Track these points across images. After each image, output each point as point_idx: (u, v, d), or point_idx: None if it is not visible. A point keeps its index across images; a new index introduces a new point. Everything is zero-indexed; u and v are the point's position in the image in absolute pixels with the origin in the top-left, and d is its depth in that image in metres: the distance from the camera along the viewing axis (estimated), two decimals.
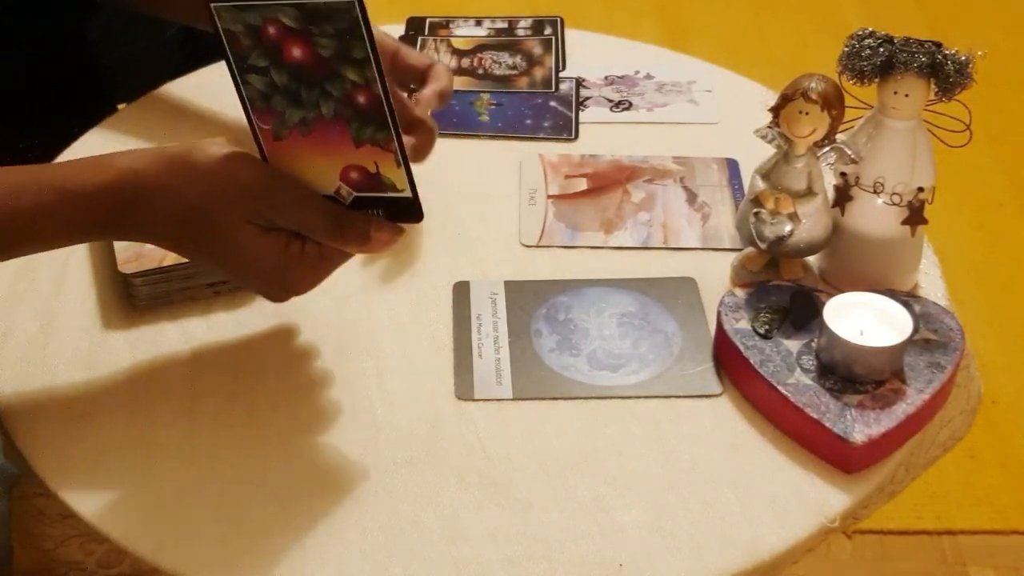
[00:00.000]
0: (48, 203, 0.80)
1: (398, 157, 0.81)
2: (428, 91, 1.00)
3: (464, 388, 0.88)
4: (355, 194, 0.82)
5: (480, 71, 1.21)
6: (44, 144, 1.06)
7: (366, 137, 0.81)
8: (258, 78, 0.81)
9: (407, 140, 0.84)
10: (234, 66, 0.81)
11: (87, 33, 1.10)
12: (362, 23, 0.78)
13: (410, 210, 0.83)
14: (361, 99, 0.80)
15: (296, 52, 0.80)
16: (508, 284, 0.96)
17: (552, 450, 0.84)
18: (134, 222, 0.82)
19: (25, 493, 0.85)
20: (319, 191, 0.83)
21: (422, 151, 0.97)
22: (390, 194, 0.82)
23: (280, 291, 0.85)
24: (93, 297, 0.95)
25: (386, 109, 0.80)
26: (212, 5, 0.80)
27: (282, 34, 0.80)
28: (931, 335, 0.88)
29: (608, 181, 1.07)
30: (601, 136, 1.13)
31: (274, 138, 0.82)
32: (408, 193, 0.82)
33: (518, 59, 1.22)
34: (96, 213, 0.81)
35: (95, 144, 1.10)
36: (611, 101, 1.18)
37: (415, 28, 1.27)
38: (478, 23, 1.28)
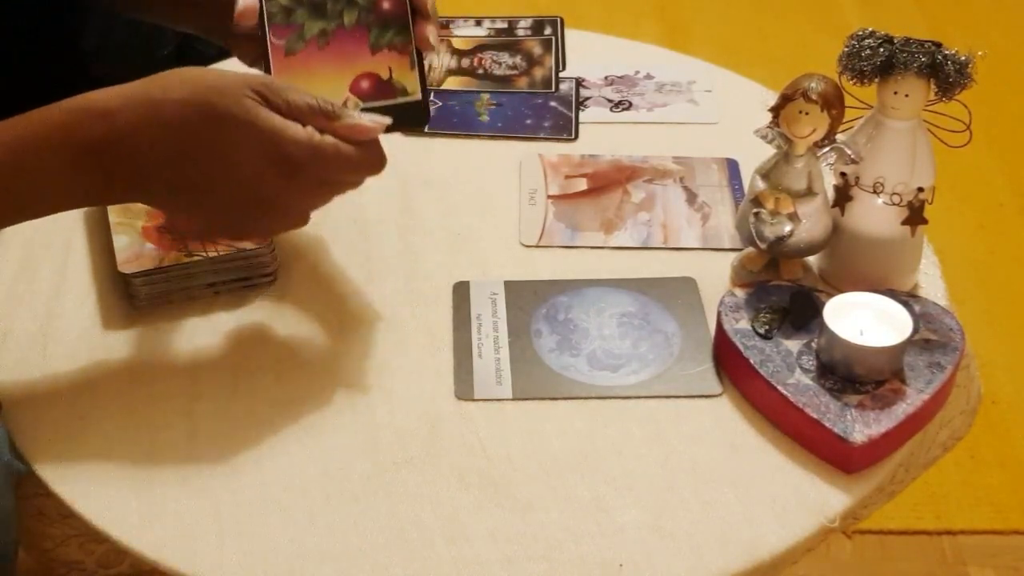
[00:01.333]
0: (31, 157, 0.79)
1: (413, 58, 0.83)
2: None
3: (464, 388, 0.88)
4: (362, 105, 0.83)
5: (480, 71, 1.21)
6: None
7: (384, 42, 0.83)
8: None
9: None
10: None
11: (82, 47, 1.10)
12: None
13: (417, 114, 0.85)
14: (385, 4, 0.83)
15: None
16: (508, 284, 0.96)
17: (552, 450, 0.84)
18: (122, 154, 0.79)
19: (25, 493, 0.85)
20: None
21: (431, 39, 0.91)
22: (399, 100, 0.84)
23: (285, 208, 0.82)
24: (93, 297, 0.95)
25: (409, 11, 0.83)
26: None
27: None
28: (931, 335, 0.88)
29: (608, 181, 1.07)
30: (601, 136, 1.13)
31: (285, 53, 0.84)
32: (418, 96, 0.84)
33: (518, 59, 1.22)
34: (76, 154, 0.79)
35: None
36: (611, 101, 1.18)
37: None
38: (478, 23, 1.28)
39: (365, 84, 0.84)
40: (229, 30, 0.92)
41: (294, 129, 0.79)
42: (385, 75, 0.84)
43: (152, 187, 0.81)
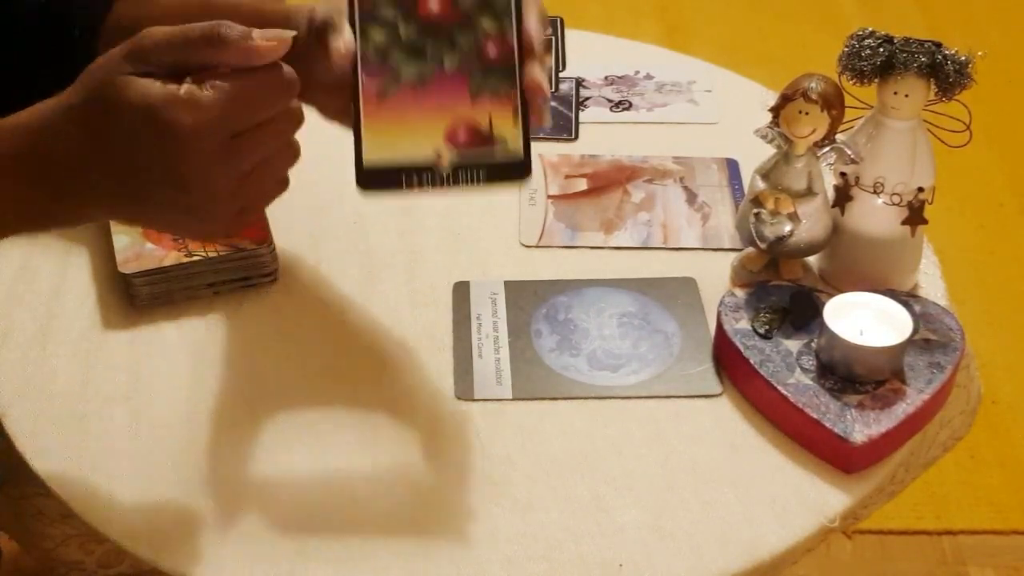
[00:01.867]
0: None
1: (516, 107, 0.77)
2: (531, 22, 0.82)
3: (464, 388, 0.88)
4: (457, 156, 0.77)
5: None
6: None
7: (487, 89, 0.77)
8: (380, 31, 0.77)
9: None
10: (356, 17, 0.77)
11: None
12: None
13: (517, 170, 0.77)
14: (490, 49, 0.77)
15: (432, 3, 0.78)
16: (508, 284, 0.96)
17: (552, 450, 0.84)
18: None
19: (25, 493, 0.85)
20: (416, 157, 0.77)
21: (543, 85, 0.80)
22: (498, 153, 0.77)
23: (204, 185, 0.71)
24: (93, 297, 0.95)
25: (516, 57, 0.77)
26: None
27: None
28: (931, 335, 0.88)
29: (608, 181, 1.07)
30: (601, 136, 1.13)
31: (377, 97, 0.77)
32: (519, 149, 0.77)
33: None
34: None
35: None
36: (611, 101, 1.17)
37: None
38: None
39: (462, 134, 0.77)
40: (308, 80, 0.88)
41: (162, 90, 0.70)
42: (484, 125, 0.77)
43: (90, 197, 0.75)
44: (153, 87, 0.70)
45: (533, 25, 0.78)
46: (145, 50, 0.71)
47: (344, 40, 0.76)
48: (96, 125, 0.71)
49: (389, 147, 0.77)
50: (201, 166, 0.71)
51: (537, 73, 0.78)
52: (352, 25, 0.77)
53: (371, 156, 0.76)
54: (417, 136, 0.77)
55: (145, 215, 0.76)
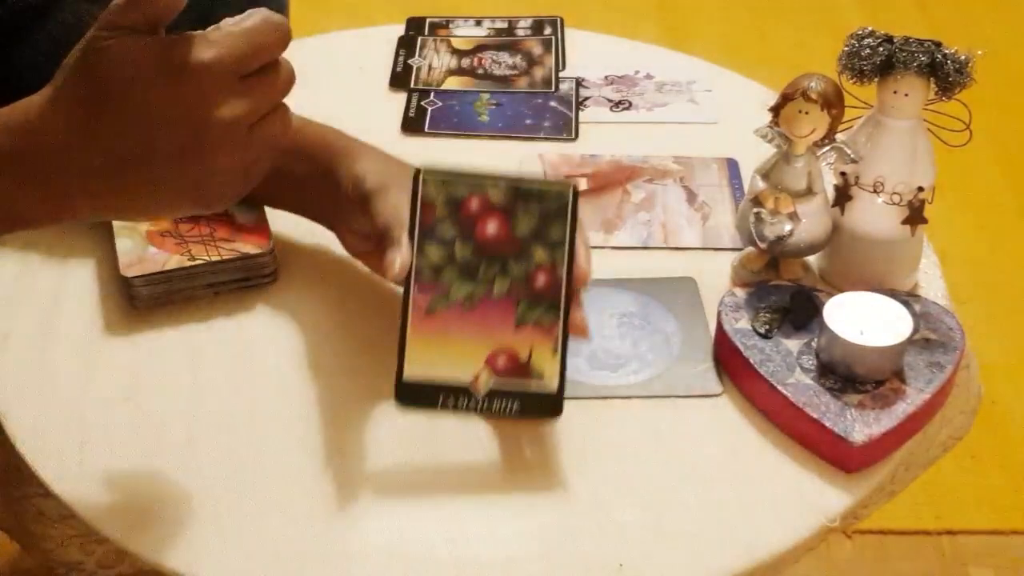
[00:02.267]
0: None
1: (558, 342, 0.80)
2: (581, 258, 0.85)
3: None
4: (494, 382, 0.80)
5: (480, 71, 1.21)
6: None
7: (531, 319, 0.80)
8: (437, 249, 0.81)
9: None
10: (416, 232, 0.80)
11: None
12: (570, 207, 0.80)
13: (549, 404, 0.81)
14: (540, 280, 0.80)
15: (491, 228, 0.80)
16: None
17: (552, 450, 0.84)
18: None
19: (25, 494, 0.85)
20: (455, 374, 0.80)
21: (584, 325, 0.84)
22: (533, 385, 0.80)
23: (206, 126, 0.70)
24: (93, 299, 0.95)
25: (563, 292, 0.80)
26: (421, 171, 0.80)
27: (483, 208, 0.80)
28: (931, 335, 0.88)
29: (608, 181, 1.07)
30: (601, 136, 1.13)
31: (426, 312, 0.80)
32: (554, 385, 0.80)
33: (518, 59, 1.22)
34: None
35: None
36: (611, 101, 1.17)
37: (415, 28, 1.27)
38: (478, 23, 1.28)
39: (502, 361, 0.80)
40: (336, 219, 0.92)
41: (164, 38, 0.70)
42: (524, 355, 0.80)
43: (76, 188, 0.73)
44: (152, 38, 0.70)
45: (583, 262, 0.82)
46: (118, 13, 0.70)
47: (402, 258, 0.80)
48: (87, 106, 0.70)
49: (431, 364, 0.80)
50: (219, 103, 0.70)
51: (583, 315, 0.82)
52: (411, 238, 0.80)
53: (412, 372, 0.81)
54: (460, 354, 0.80)
55: (138, 199, 0.74)
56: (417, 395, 0.81)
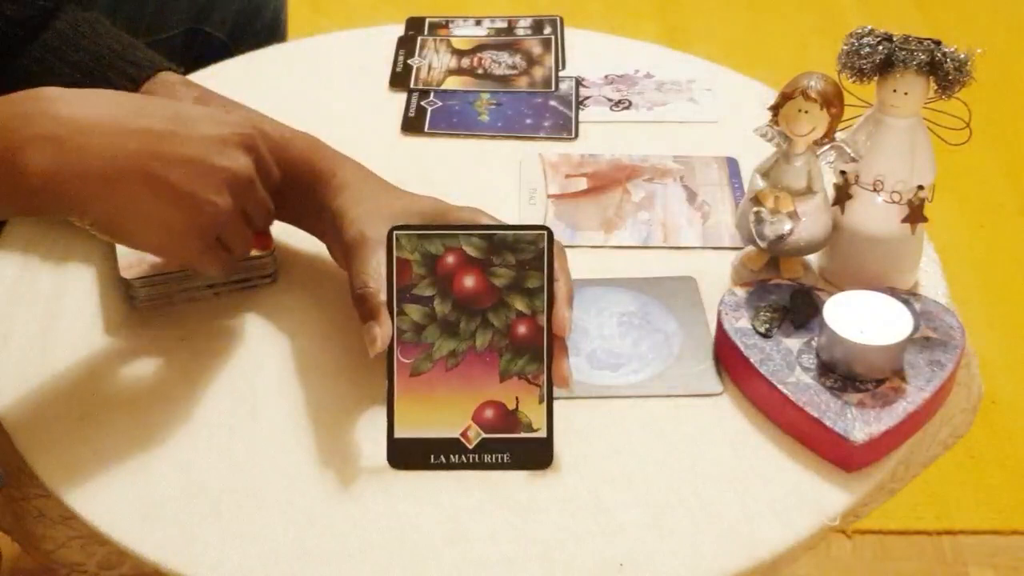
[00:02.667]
0: None
1: (543, 391, 0.81)
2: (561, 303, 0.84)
3: None
4: (483, 435, 0.82)
5: (480, 71, 1.21)
6: None
7: (515, 370, 0.81)
8: (417, 309, 0.81)
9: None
10: (394, 297, 0.81)
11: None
12: (546, 253, 0.81)
13: (539, 453, 0.82)
14: (521, 329, 0.81)
15: (468, 282, 0.81)
16: None
17: (552, 450, 0.84)
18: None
19: (26, 495, 0.85)
20: (444, 432, 0.82)
21: (565, 375, 0.83)
22: (523, 434, 0.82)
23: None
24: (94, 299, 0.95)
25: (545, 339, 0.81)
26: (394, 232, 0.81)
27: (459, 264, 0.81)
28: (931, 333, 0.88)
29: (608, 180, 1.07)
30: (601, 135, 1.13)
31: (411, 374, 0.81)
32: (543, 433, 0.81)
33: (518, 59, 1.22)
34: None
35: None
36: (611, 100, 1.17)
37: (415, 28, 1.27)
38: (478, 23, 1.28)
39: (489, 413, 0.81)
40: (322, 234, 0.94)
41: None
42: (511, 405, 0.81)
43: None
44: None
45: (562, 309, 0.83)
46: None
47: (383, 332, 0.81)
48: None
49: (419, 423, 0.82)
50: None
51: (566, 365, 0.83)
52: (389, 303, 0.81)
53: (402, 432, 0.82)
54: (447, 411, 0.81)
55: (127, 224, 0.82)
56: (408, 455, 0.82)
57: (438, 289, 0.82)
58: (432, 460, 0.82)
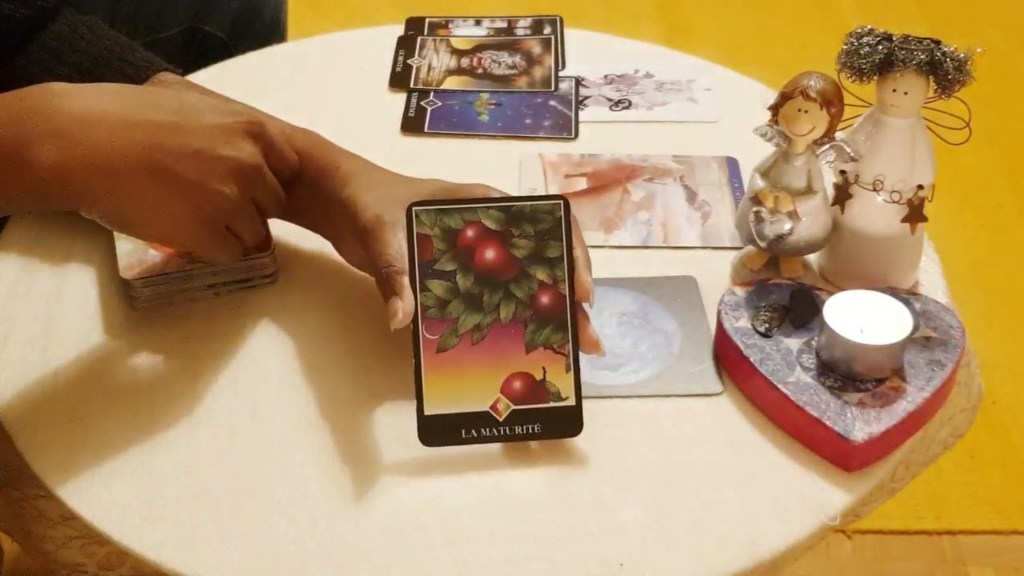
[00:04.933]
0: None
1: (569, 360, 0.82)
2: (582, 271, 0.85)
3: None
4: (513, 407, 0.81)
5: (480, 71, 1.21)
6: None
7: (540, 340, 0.82)
8: (440, 284, 0.82)
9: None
10: (417, 273, 0.81)
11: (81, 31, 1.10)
12: (564, 222, 0.81)
13: (569, 421, 0.82)
14: (544, 299, 0.82)
15: (489, 254, 0.82)
16: None
17: (552, 450, 0.84)
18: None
19: (26, 495, 0.85)
20: (474, 406, 0.81)
21: (596, 339, 0.84)
22: (552, 404, 0.82)
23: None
24: (93, 299, 0.95)
25: (568, 308, 0.81)
26: (413, 208, 0.82)
27: (479, 236, 0.81)
28: (931, 333, 0.88)
29: (608, 180, 1.07)
30: (601, 135, 1.13)
31: (437, 350, 0.81)
32: (572, 401, 0.82)
33: (517, 59, 1.22)
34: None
35: None
36: (611, 100, 1.17)
37: (414, 28, 1.27)
38: (477, 23, 1.28)
39: (517, 385, 0.81)
40: (328, 231, 0.94)
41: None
42: (539, 375, 0.81)
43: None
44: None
45: (583, 276, 0.83)
46: None
47: (405, 306, 0.81)
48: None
49: (448, 399, 0.82)
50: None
51: (591, 330, 0.83)
52: (412, 280, 0.82)
53: (431, 409, 0.82)
54: (475, 385, 0.81)
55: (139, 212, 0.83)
56: (439, 432, 0.82)
57: (459, 263, 0.82)
58: (463, 435, 0.81)
